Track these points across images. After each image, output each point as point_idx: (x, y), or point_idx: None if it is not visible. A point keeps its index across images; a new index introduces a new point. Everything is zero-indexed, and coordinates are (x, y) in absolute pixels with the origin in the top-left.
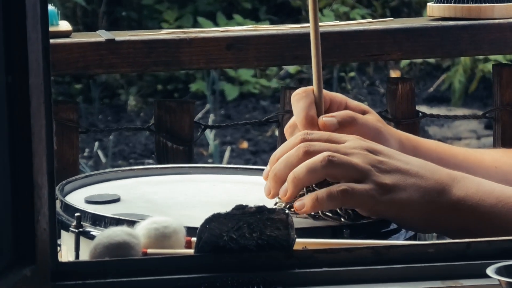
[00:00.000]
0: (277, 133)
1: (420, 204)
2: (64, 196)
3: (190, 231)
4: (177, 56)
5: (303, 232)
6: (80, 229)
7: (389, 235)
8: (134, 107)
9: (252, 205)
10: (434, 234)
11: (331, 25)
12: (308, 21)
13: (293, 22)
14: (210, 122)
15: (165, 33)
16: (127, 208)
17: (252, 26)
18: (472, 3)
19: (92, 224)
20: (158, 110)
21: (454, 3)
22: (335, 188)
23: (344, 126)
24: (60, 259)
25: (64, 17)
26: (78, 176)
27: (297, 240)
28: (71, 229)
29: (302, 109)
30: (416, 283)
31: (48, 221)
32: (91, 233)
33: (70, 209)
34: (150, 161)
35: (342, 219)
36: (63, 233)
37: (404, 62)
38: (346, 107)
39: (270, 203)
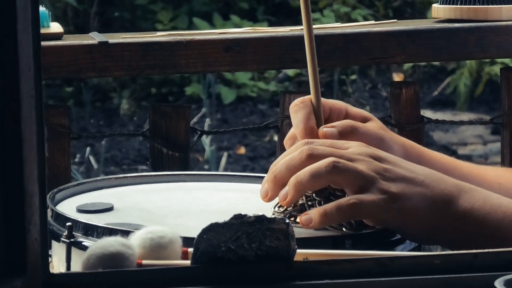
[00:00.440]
0: (276, 138)
1: (425, 214)
2: (55, 204)
3: (187, 241)
4: (173, 59)
5: (304, 242)
6: (72, 240)
7: (392, 245)
8: (127, 111)
9: (251, 214)
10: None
11: (332, 27)
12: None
13: (292, 22)
14: (206, 127)
15: (160, 35)
16: (121, 217)
17: (250, 28)
18: (479, 4)
19: (84, 234)
20: (153, 115)
21: (460, 4)
22: (344, 201)
23: (345, 136)
24: (51, 270)
25: (55, 17)
26: (69, 184)
27: (298, 251)
28: (62, 239)
29: (301, 120)
30: None
31: (39, 231)
32: (83, 243)
33: (61, 218)
34: (144, 167)
35: (344, 229)
36: (54, 243)
37: (407, 65)
38: (347, 115)
39: (269, 213)
